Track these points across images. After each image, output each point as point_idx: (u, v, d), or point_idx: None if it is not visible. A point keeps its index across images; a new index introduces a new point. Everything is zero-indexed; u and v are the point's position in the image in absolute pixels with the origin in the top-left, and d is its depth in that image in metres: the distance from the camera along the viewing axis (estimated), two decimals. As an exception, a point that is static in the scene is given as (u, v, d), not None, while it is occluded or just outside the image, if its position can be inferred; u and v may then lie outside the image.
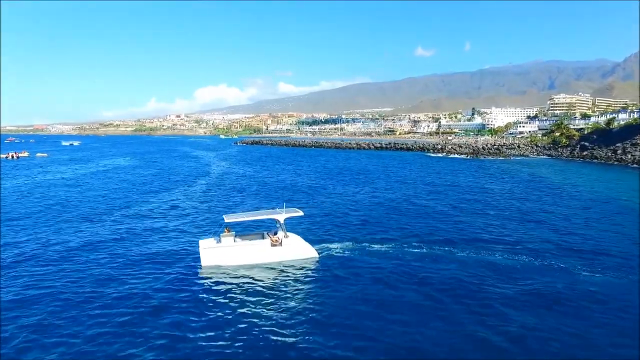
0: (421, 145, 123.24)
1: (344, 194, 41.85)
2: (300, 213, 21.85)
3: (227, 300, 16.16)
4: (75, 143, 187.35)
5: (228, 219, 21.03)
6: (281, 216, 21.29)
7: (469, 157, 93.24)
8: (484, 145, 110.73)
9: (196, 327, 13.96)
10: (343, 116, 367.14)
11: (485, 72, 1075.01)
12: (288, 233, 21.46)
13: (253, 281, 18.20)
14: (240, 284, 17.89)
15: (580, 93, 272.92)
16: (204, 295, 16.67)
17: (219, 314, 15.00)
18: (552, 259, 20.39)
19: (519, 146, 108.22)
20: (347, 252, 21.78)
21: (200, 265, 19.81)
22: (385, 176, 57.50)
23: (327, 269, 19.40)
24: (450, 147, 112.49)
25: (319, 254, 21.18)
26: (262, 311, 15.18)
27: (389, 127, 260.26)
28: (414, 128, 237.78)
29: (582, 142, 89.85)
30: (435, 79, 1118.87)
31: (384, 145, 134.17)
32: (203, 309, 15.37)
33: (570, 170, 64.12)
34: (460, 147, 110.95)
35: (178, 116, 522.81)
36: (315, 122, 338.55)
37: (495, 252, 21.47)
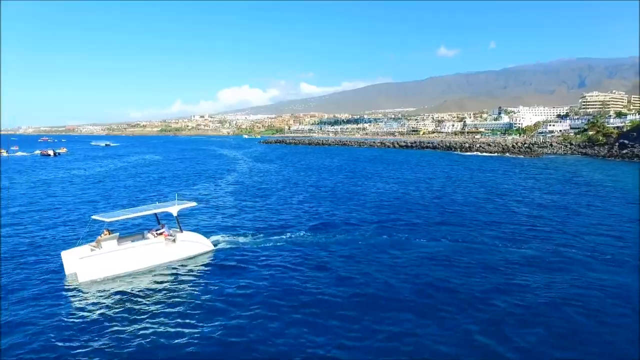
0: (448, 145, 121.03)
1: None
2: (194, 204, 20.59)
3: (122, 320, 13.03)
4: (112, 144, 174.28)
5: (108, 218, 17.03)
6: (174, 209, 18.77)
7: (498, 155, 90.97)
8: (514, 144, 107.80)
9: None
10: (365, 116, 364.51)
11: (511, 71, 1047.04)
12: (181, 228, 19.22)
13: (149, 289, 15.30)
14: (134, 295, 14.75)
15: (613, 91, 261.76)
16: (95, 319, 13.03)
17: (112, 341, 11.87)
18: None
19: (551, 144, 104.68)
20: (243, 243, 20.73)
21: (77, 282, 15.65)
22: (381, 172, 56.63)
23: (227, 262, 18.09)
24: (478, 145, 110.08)
25: (214, 246, 19.67)
26: (170, 321, 12.96)
27: (413, 127, 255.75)
28: (438, 128, 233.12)
29: (622, 140, 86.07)
30: (459, 78, 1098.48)
31: (409, 144, 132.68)
32: (102, 339, 11.96)
33: (613, 169, 61.38)
34: (489, 145, 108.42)
35: (202, 117, 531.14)
36: (337, 122, 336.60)
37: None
